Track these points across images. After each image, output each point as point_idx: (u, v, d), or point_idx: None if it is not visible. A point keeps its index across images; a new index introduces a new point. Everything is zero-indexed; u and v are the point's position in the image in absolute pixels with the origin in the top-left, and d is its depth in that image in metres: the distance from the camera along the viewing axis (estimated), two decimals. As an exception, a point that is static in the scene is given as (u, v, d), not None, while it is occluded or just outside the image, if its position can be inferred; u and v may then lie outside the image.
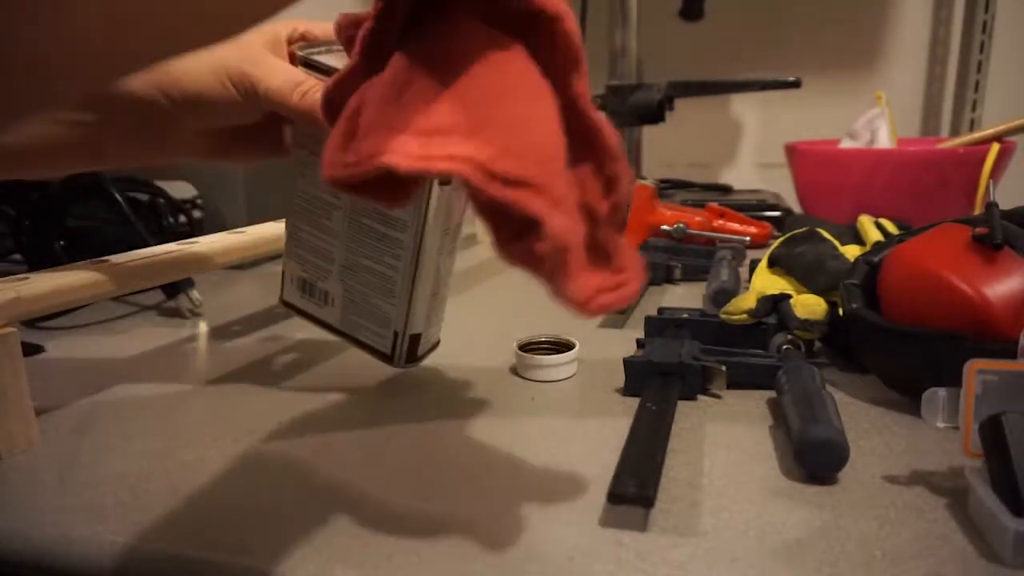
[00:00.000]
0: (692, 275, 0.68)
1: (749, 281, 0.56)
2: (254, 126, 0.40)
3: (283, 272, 0.45)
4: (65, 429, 0.40)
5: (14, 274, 0.40)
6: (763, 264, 0.54)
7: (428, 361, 0.46)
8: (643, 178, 0.87)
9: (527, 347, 0.46)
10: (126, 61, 0.16)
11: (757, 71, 1.17)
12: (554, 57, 0.26)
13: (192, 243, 0.49)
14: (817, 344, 0.47)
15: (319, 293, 0.44)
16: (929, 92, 1.14)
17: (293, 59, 0.40)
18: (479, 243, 0.90)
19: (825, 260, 0.50)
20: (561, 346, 0.46)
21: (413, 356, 0.42)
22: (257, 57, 0.38)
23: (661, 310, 0.51)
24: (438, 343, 0.46)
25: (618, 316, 0.57)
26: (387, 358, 0.42)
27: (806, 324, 0.45)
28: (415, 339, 0.42)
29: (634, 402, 0.39)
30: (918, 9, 1.12)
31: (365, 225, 0.40)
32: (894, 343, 0.39)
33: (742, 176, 1.22)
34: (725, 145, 1.24)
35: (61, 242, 0.64)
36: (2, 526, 0.31)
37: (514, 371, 0.46)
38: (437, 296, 0.43)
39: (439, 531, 0.29)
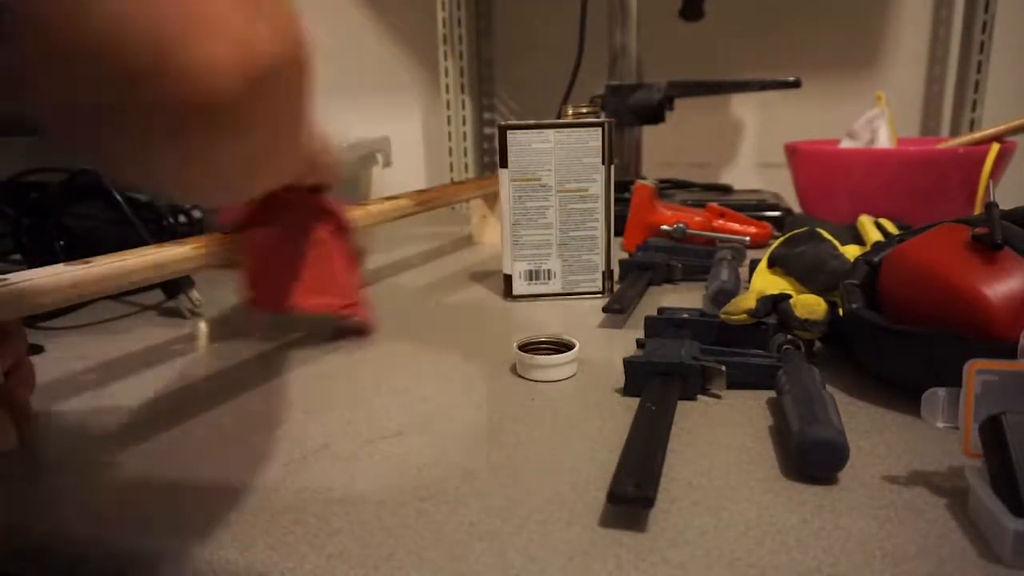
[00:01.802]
0: (692, 275, 0.68)
1: (749, 281, 0.56)
2: None
3: (507, 276, 0.63)
4: (65, 429, 0.40)
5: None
6: (763, 264, 0.54)
7: (428, 362, 0.47)
8: (643, 178, 0.87)
9: (527, 347, 0.46)
10: None
11: (757, 71, 1.17)
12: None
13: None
14: (817, 344, 0.47)
15: (543, 274, 0.63)
16: (929, 92, 1.14)
17: None
18: (477, 244, 0.90)
19: (825, 260, 0.50)
20: (561, 346, 0.46)
21: (612, 289, 0.64)
22: None
23: (661, 310, 0.51)
24: None
25: (618, 316, 0.57)
26: (599, 294, 0.64)
27: (806, 324, 0.45)
28: (612, 274, 0.64)
29: (634, 402, 0.39)
30: (918, 9, 1.12)
31: (572, 209, 0.62)
32: (894, 343, 0.39)
33: (742, 176, 1.22)
34: (725, 145, 1.24)
35: (61, 242, 0.64)
36: (2, 526, 0.31)
37: (514, 371, 0.46)
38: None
39: (439, 531, 0.29)
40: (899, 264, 0.42)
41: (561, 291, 0.64)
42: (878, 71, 1.14)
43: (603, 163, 0.61)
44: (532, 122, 0.61)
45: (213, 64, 0.22)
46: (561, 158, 0.61)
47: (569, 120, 0.62)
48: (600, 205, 0.62)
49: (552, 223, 0.62)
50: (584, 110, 0.64)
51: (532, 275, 0.63)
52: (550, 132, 0.61)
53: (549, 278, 0.63)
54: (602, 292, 0.64)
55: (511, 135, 0.61)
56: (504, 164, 0.61)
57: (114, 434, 0.39)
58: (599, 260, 0.63)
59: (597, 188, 0.62)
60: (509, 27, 1.30)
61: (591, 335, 0.54)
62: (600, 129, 0.61)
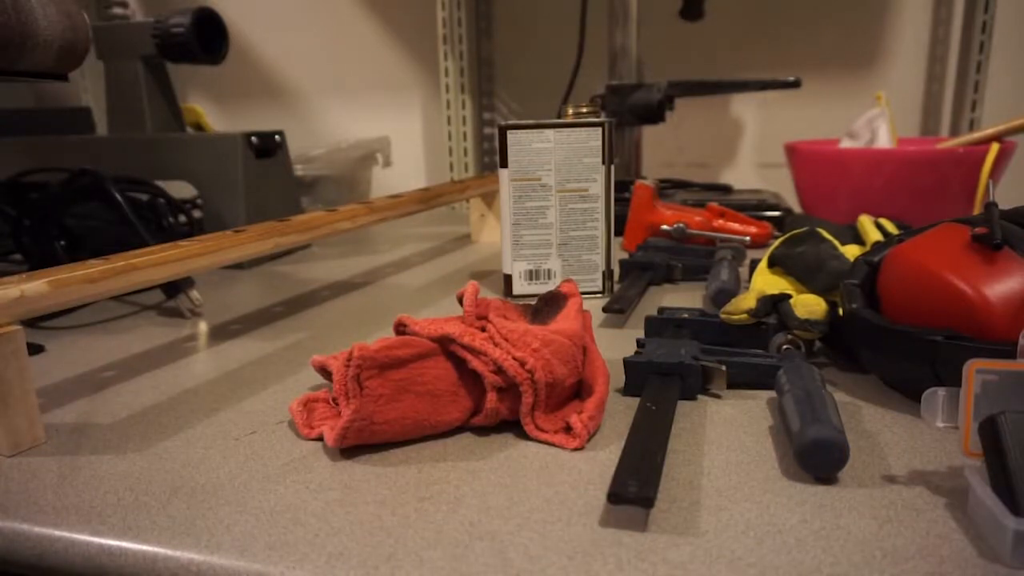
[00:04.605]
0: (692, 275, 0.68)
1: (749, 281, 0.56)
2: None
3: (507, 276, 0.63)
4: (65, 429, 0.40)
5: (14, 274, 0.40)
6: (763, 264, 0.54)
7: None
8: (643, 178, 0.87)
9: None
10: None
11: (757, 71, 1.17)
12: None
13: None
14: (817, 344, 0.47)
15: (543, 274, 0.63)
16: (929, 92, 1.14)
17: None
18: (475, 243, 0.90)
19: (825, 260, 0.50)
20: None
21: (612, 289, 0.64)
22: None
23: (661, 310, 0.51)
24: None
25: (618, 316, 0.57)
26: (599, 294, 0.64)
27: (806, 324, 0.45)
28: (612, 274, 0.64)
29: (634, 402, 0.39)
30: (918, 9, 1.12)
31: (572, 209, 0.62)
32: (894, 343, 0.39)
33: (742, 176, 1.23)
34: (725, 145, 1.24)
35: (61, 242, 0.64)
36: (2, 526, 0.31)
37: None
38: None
39: (439, 531, 0.29)
40: (899, 264, 0.42)
41: None
42: (878, 71, 1.14)
43: (603, 163, 0.61)
44: (532, 122, 0.61)
45: None
46: (561, 158, 0.61)
47: (569, 120, 0.62)
48: (600, 205, 0.62)
49: (552, 223, 0.62)
50: (584, 110, 0.63)
51: (532, 275, 0.63)
52: (550, 132, 0.61)
53: (549, 278, 0.63)
54: (602, 292, 0.64)
55: (511, 135, 0.61)
56: (504, 164, 0.61)
57: (112, 434, 0.39)
58: (599, 260, 0.63)
59: (597, 188, 0.62)
60: (509, 27, 1.30)
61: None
62: (600, 129, 0.61)
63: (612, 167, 0.62)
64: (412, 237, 0.97)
